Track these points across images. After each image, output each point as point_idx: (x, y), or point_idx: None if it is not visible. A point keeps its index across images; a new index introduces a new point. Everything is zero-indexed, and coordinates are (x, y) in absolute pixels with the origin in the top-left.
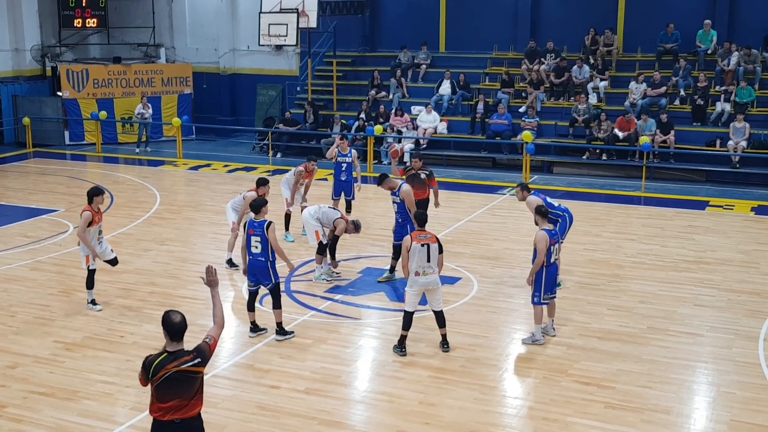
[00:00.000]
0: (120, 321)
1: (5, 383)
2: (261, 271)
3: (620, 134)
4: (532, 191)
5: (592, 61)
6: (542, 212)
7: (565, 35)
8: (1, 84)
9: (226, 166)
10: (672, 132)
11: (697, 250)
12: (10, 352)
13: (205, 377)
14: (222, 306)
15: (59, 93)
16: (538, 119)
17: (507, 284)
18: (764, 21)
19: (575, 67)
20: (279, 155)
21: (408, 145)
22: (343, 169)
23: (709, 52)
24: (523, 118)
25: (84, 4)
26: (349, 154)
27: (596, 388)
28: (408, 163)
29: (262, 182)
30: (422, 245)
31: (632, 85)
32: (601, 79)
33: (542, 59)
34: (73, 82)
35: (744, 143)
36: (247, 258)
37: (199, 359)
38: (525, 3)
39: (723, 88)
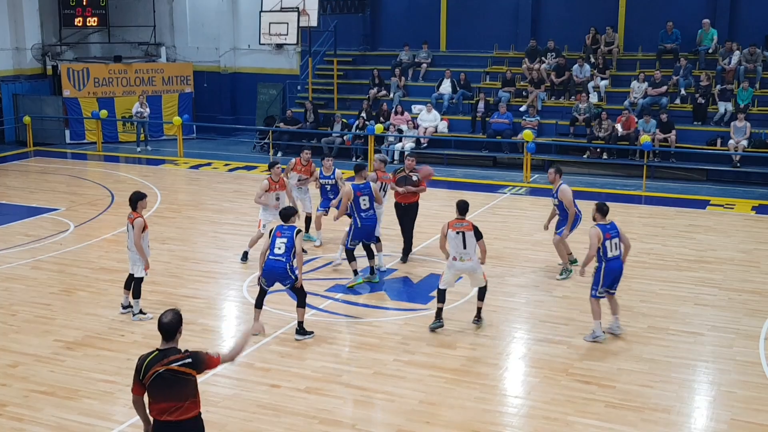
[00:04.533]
0: (120, 320)
1: (6, 382)
2: (280, 273)
3: (620, 128)
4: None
5: (592, 60)
6: (603, 210)
7: (566, 34)
8: (1, 83)
9: (226, 164)
10: (673, 131)
11: (698, 249)
12: (10, 350)
13: (206, 376)
14: (242, 351)
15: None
16: (538, 118)
17: (508, 283)
18: (765, 19)
19: (576, 66)
20: (279, 154)
21: (408, 144)
22: (328, 189)
23: (710, 51)
24: (523, 117)
25: (85, 3)
26: (332, 175)
27: (597, 387)
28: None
29: (273, 164)
30: (457, 233)
31: (634, 84)
32: (602, 78)
33: (543, 58)
34: (73, 80)
35: (745, 142)
36: (266, 260)
37: (190, 360)
38: (526, 2)
39: (722, 87)
